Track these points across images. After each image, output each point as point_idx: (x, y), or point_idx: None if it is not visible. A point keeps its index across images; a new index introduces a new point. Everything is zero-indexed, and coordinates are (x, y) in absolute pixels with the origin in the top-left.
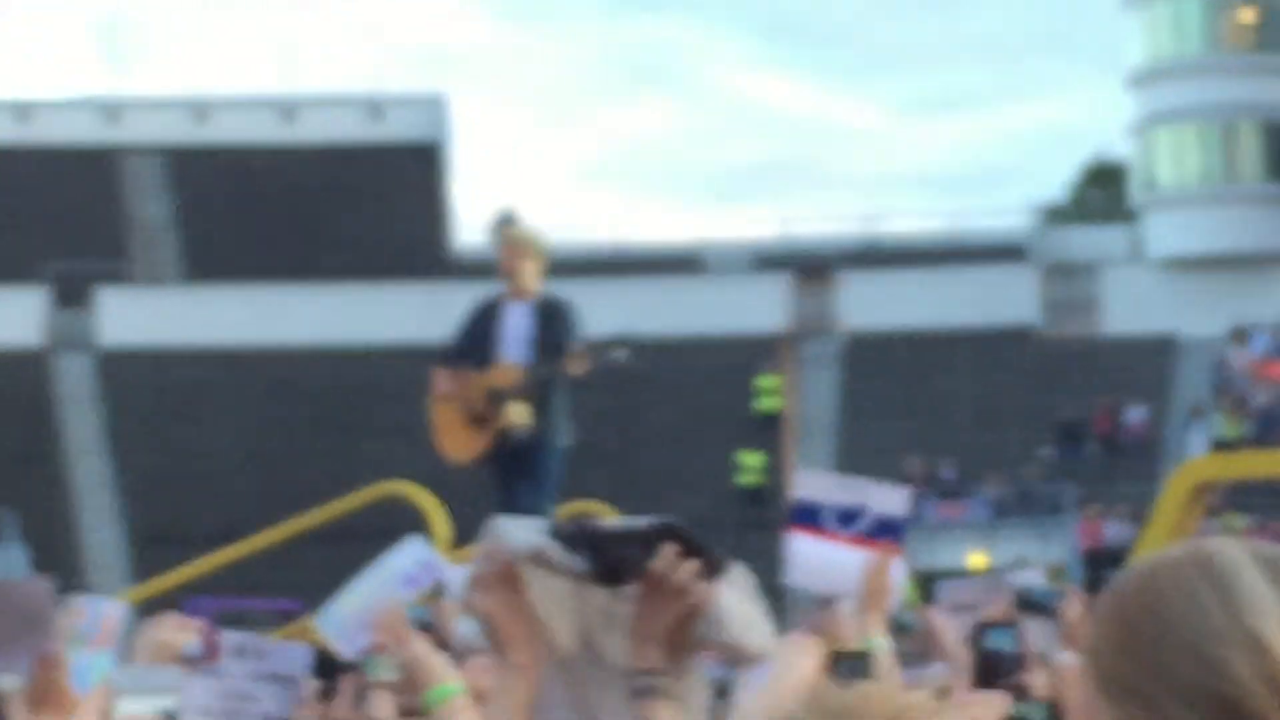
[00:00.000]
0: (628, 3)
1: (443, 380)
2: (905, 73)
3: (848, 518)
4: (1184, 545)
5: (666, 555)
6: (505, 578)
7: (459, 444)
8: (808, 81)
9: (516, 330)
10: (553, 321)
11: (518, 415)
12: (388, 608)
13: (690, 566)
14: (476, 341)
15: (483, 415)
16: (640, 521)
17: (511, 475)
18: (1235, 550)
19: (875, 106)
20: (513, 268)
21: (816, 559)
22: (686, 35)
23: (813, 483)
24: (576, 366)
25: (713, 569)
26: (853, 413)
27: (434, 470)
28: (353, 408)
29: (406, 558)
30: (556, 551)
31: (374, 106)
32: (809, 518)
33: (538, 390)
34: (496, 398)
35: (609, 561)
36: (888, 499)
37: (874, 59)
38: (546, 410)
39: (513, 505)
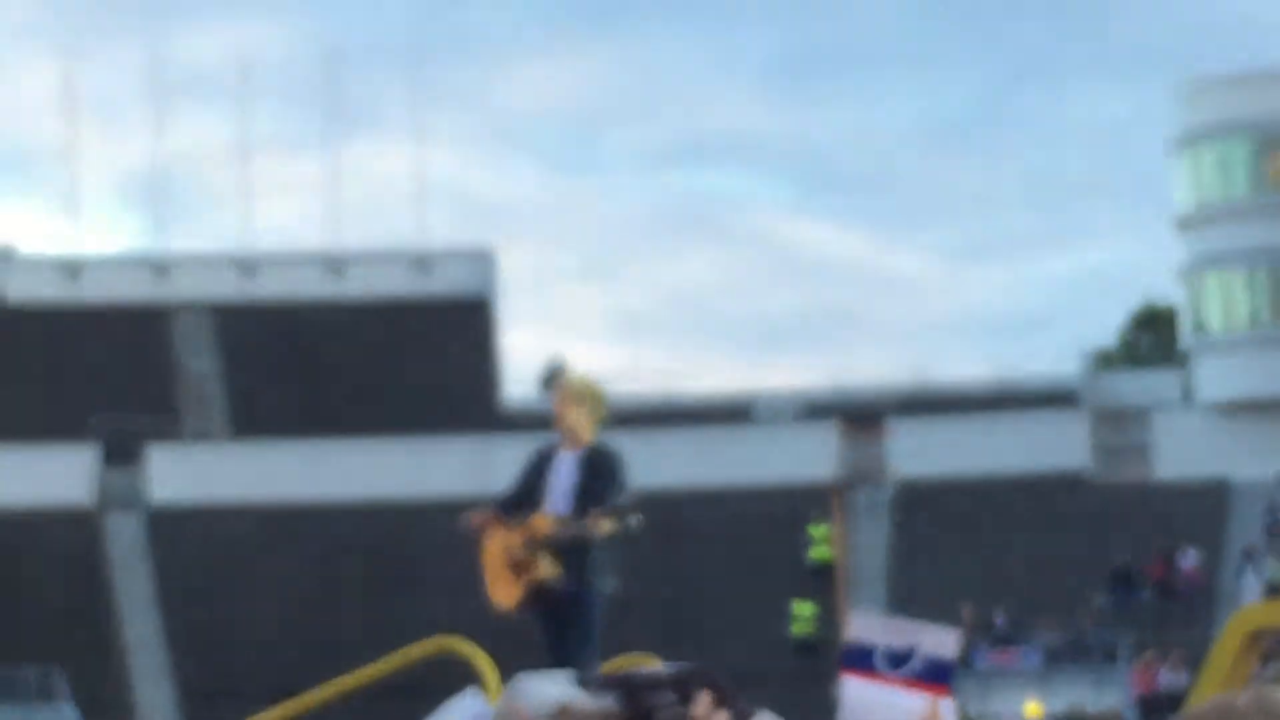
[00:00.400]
0: (671, 154)
1: (483, 523)
2: (951, 219)
3: (899, 660)
4: (1248, 692)
5: (703, 703)
6: None
7: (500, 591)
8: (853, 229)
9: (563, 480)
10: (597, 472)
11: (547, 569)
12: None
13: (723, 716)
14: (528, 490)
15: (522, 563)
16: (672, 668)
17: (552, 627)
18: None
19: (922, 253)
20: (562, 415)
21: (869, 701)
22: (730, 185)
23: (866, 625)
24: (603, 526)
25: (744, 715)
26: (904, 561)
27: (484, 625)
28: (401, 563)
29: (463, 711)
30: (584, 701)
31: (421, 261)
32: (862, 661)
33: (570, 543)
34: (532, 547)
35: (643, 708)
36: (938, 641)
37: (919, 206)
38: (582, 563)
39: (555, 658)
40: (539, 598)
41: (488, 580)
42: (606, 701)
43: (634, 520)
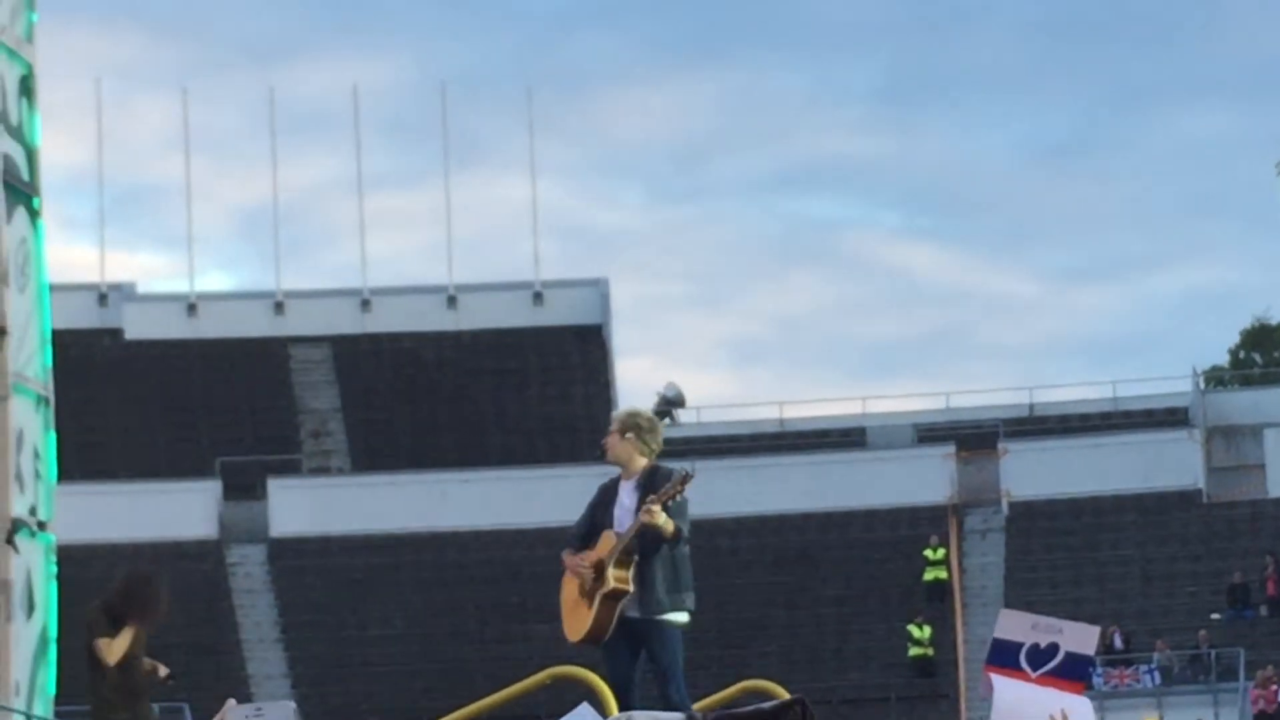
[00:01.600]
0: (777, 181)
1: (569, 561)
2: (1058, 241)
3: (1041, 656)
4: None
5: None
6: None
7: (572, 624)
8: (960, 253)
9: (625, 505)
10: (653, 487)
11: (618, 580)
12: None
13: None
14: (595, 524)
15: (592, 588)
16: (773, 704)
17: (628, 657)
18: None
19: (1029, 275)
20: (610, 447)
21: (1013, 699)
22: (836, 211)
23: (1012, 623)
24: (656, 514)
25: None
26: (1019, 582)
27: (599, 652)
28: (521, 591)
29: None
30: None
31: (535, 291)
32: (1007, 658)
33: (632, 554)
34: (600, 570)
35: None
36: (1079, 637)
37: (1025, 228)
38: (646, 583)
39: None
40: (611, 621)
41: (563, 618)
42: None
43: (684, 482)
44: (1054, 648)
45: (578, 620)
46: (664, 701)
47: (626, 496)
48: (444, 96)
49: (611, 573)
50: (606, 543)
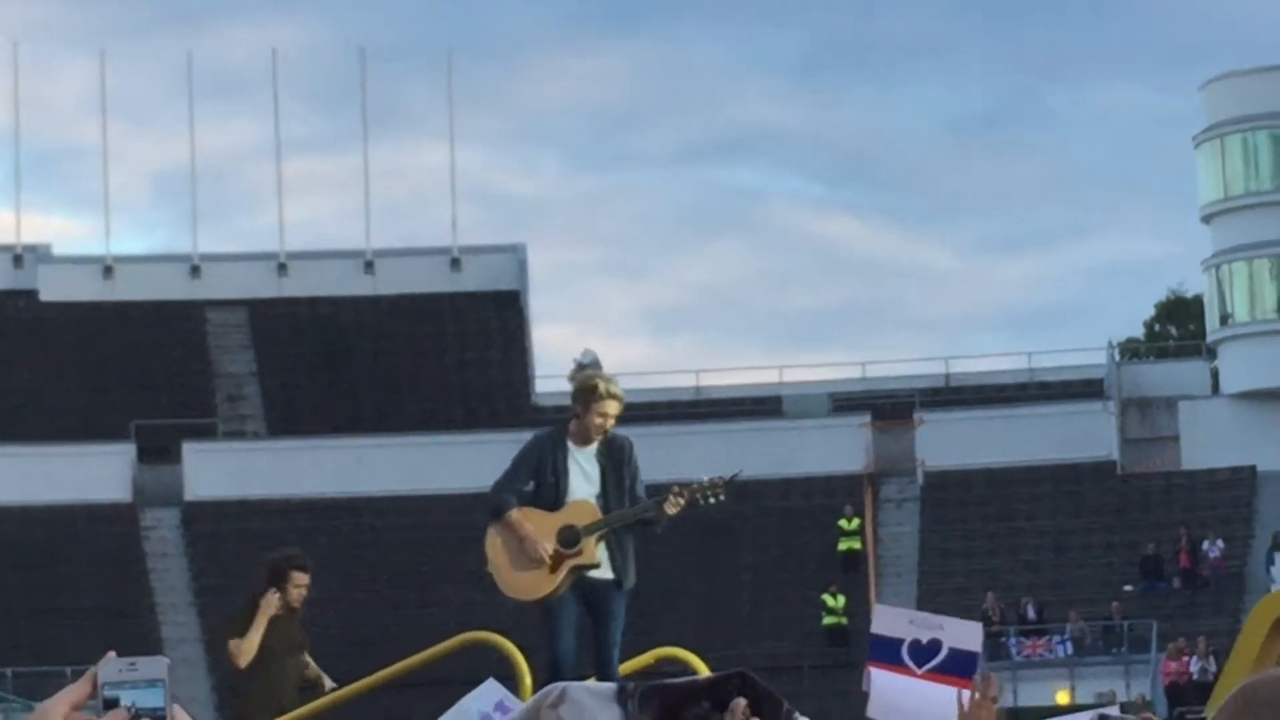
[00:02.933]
0: (698, 150)
1: (518, 518)
2: (977, 213)
3: (924, 653)
4: None
5: (738, 711)
6: None
7: (527, 584)
8: (880, 223)
9: (588, 475)
10: (620, 460)
11: (593, 555)
12: None
13: None
14: (542, 484)
15: (562, 553)
16: (708, 676)
17: (582, 618)
18: None
19: (948, 247)
20: (611, 416)
21: (896, 695)
22: (757, 180)
23: (890, 619)
24: (673, 507)
25: (781, 718)
26: (934, 552)
27: (517, 617)
28: (436, 557)
29: (483, 700)
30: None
31: (453, 257)
32: (887, 654)
33: (613, 531)
34: (571, 536)
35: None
36: (962, 633)
37: (946, 200)
38: (621, 551)
39: (595, 654)
40: (575, 588)
41: (506, 572)
42: (645, 718)
43: (714, 492)
44: (936, 644)
45: (538, 583)
46: (606, 669)
47: (586, 463)
48: (363, 61)
49: (591, 547)
50: (585, 513)
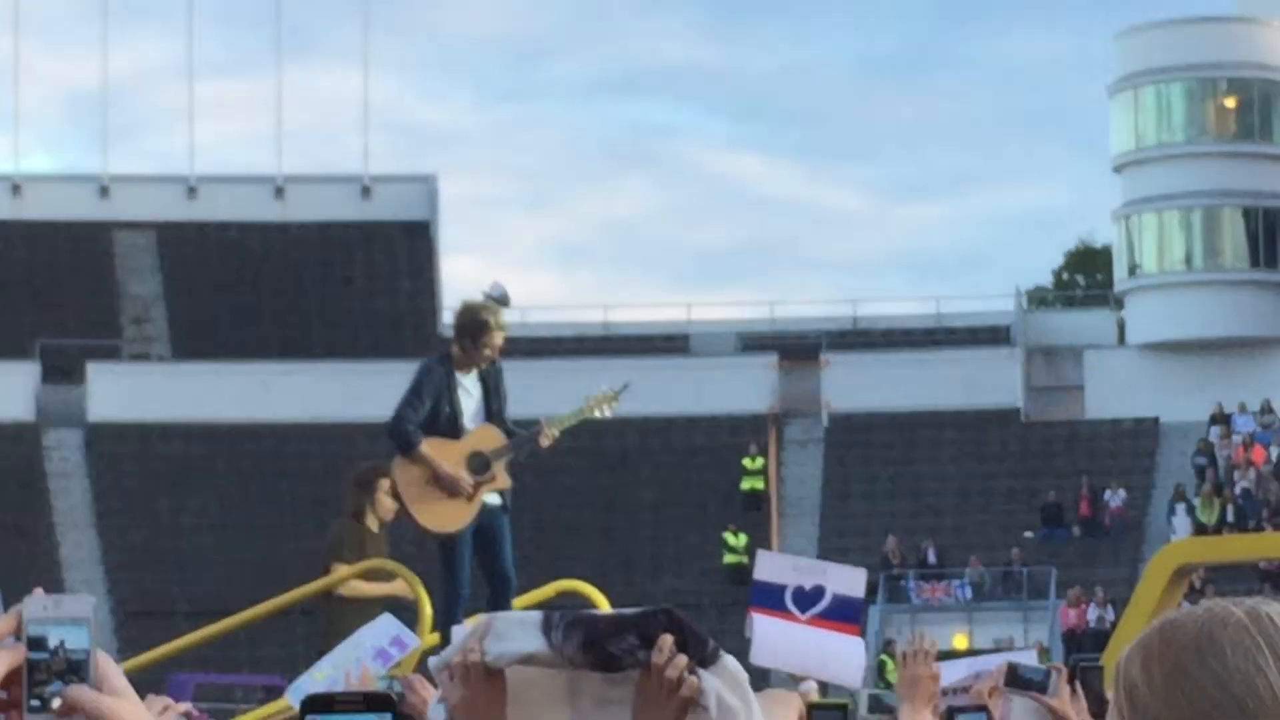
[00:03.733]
0: (608, 85)
1: (428, 450)
2: (888, 156)
3: (807, 599)
4: (1241, 603)
5: (664, 648)
6: (486, 673)
7: (446, 515)
8: (789, 164)
9: (473, 397)
10: (497, 388)
11: (505, 481)
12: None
13: (683, 661)
14: (437, 411)
15: (473, 481)
16: (637, 611)
17: (481, 545)
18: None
19: (858, 189)
20: (502, 344)
21: (779, 640)
22: (667, 117)
23: (774, 565)
24: (547, 439)
25: (706, 657)
26: (837, 493)
27: (415, 546)
28: (339, 485)
29: (379, 633)
30: (554, 652)
31: (363, 185)
32: (770, 600)
33: (523, 455)
34: (481, 463)
35: (605, 653)
36: (846, 579)
37: (856, 142)
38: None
39: (492, 576)
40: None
41: (422, 504)
42: (569, 648)
43: (607, 403)
44: (820, 590)
45: (457, 512)
46: (508, 591)
47: (472, 389)
48: None
49: (502, 472)
50: (490, 439)
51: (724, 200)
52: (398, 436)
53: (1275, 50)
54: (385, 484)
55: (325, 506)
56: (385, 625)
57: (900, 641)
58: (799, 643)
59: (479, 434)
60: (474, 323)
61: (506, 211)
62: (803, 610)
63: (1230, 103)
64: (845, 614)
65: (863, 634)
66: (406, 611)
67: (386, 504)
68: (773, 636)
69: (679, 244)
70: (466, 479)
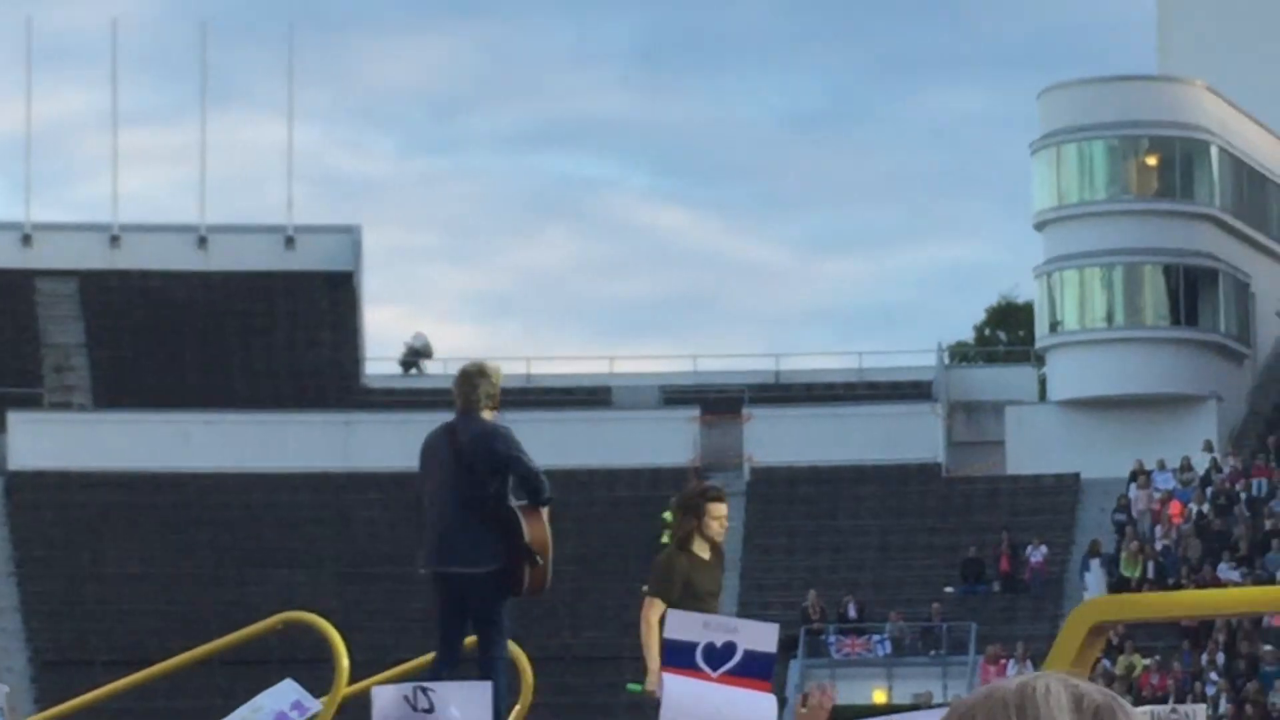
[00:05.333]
0: (532, 137)
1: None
2: (810, 210)
3: (719, 656)
4: (1015, 680)
5: None
6: None
7: (543, 577)
8: (712, 217)
9: None
10: None
11: None
12: None
13: None
14: None
15: None
16: None
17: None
18: (1057, 685)
19: (781, 243)
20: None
21: (690, 699)
22: (590, 169)
23: (683, 623)
24: None
25: None
26: (758, 547)
27: (338, 598)
28: (260, 535)
29: (279, 697)
30: None
31: (287, 235)
32: (681, 658)
33: None
34: None
35: None
36: (757, 636)
37: (778, 196)
38: None
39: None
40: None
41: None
42: None
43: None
44: (731, 646)
45: (544, 575)
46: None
47: None
48: (204, 34)
49: None
50: None
51: (647, 253)
52: (544, 489)
53: (1197, 109)
54: (714, 507)
55: (246, 556)
56: (286, 690)
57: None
58: (710, 701)
59: None
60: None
61: (430, 262)
62: (714, 667)
63: (1152, 161)
64: (757, 670)
65: (774, 689)
66: (325, 663)
67: (716, 526)
68: (683, 696)
69: (602, 296)
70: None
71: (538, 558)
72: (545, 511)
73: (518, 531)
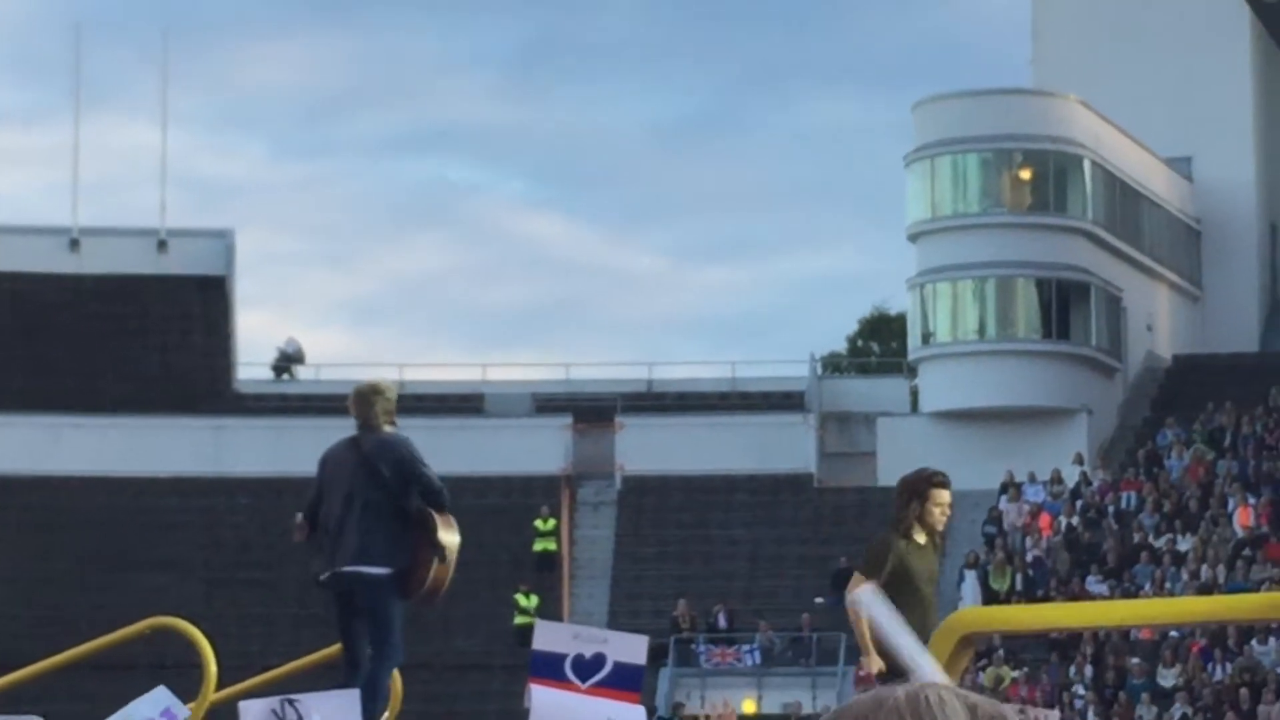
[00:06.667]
0: (405, 142)
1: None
2: (684, 218)
3: (588, 667)
4: (907, 686)
5: None
6: None
7: (444, 582)
8: (585, 224)
9: None
10: None
11: None
12: None
13: None
14: None
15: None
16: None
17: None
18: (949, 694)
19: (653, 251)
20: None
21: (558, 710)
22: (463, 175)
23: (552, 635)
24: None
25: None
26: (629, 556)
27: (206, 604)
28: (129, 540)
29: (152, 704)
30: None
31: (160, 239)
32: (550, 669)
33: None
34: None
35: None
36: (627, 647)
37: (651, 204)
38: None
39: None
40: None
41: (448, 569)
42: None
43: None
44: (601, 658)
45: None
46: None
47: None
48: (77, 36)
49: None
50: None
51: (520, 260)
52: (445, 498)
53: (1070, 123)
54: (938, 494)
55: (115, 561)
56: (158, 696)
57: (691, 704)
58: (578, 713)
59: None
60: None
61: (303, 267)
62: (583, 679)
63: (1025, 174)
64: (626, 682)
65: (643, 701)
66: (193, 668)
67: (937, 514)
68: (551, 707)
69: (475, 303)
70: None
71: (445, 553)
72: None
73: (431, 529)
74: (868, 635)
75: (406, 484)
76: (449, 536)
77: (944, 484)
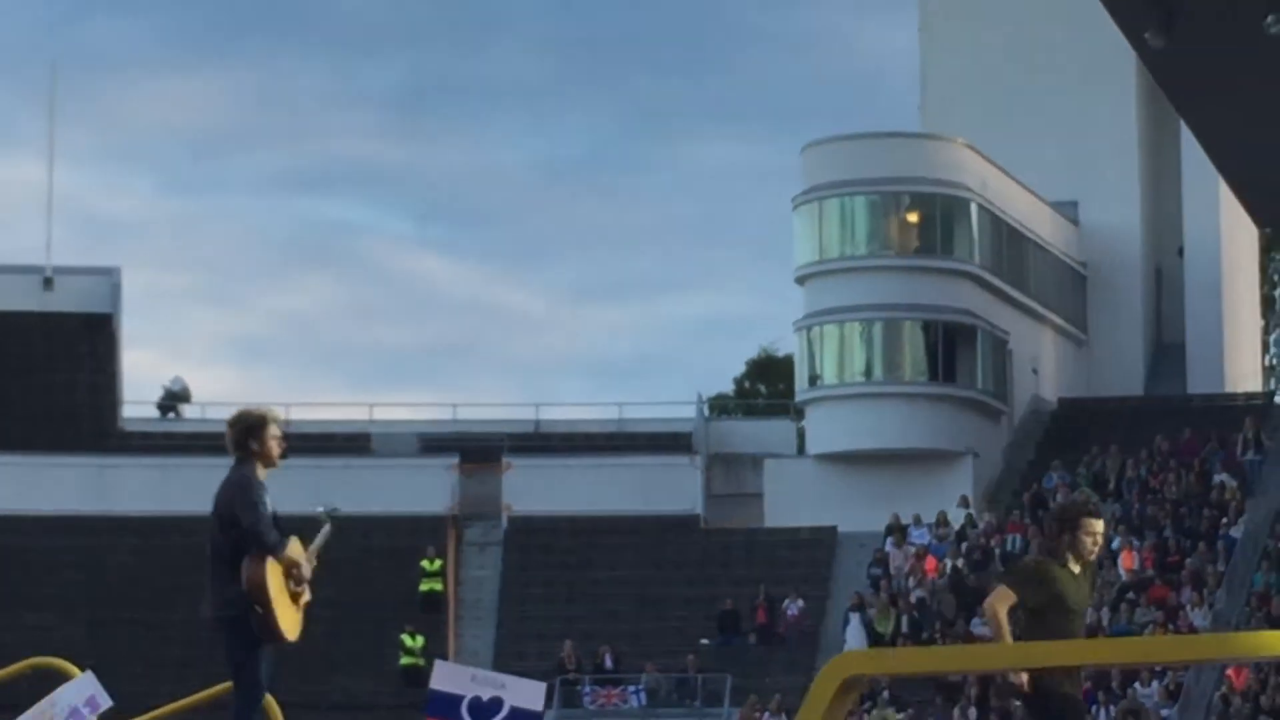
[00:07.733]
0: (291, 180)
1: (305, 568)
2: (571, 259)
3: (485, 711)
4: None
5: None
6: None
7: (293, 621)
8: (472, 264)
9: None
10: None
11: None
12: None
13: None
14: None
15: (296, 595)
16: None
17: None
18: None
19: (540, 291)
20: (257, 448)
21: None
22: (350, 214)
23: (451, 675)
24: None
25: None
26: (515, 597)
27: (90, 643)
28: (11, 578)
29: (77, 691)
30: None
31: (46, 276)
32: (447, 709)
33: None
34: (299, 575)
35: None
36: (524, 693)
37: (538, 244)
38: None
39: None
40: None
41: (281, 610)
42: None
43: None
44: (498, 702)
45: (295, 620)
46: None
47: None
48: None
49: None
50: (298, 548)
51: (407, 300)
52: (265, 535)
53: (958, 166)
54: (1090, 523)
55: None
56: (84, 684)
57: None
58: None
59: (295, 544)
60: (254, 424)
61: (188, 305)
62: None
63: (912, 217)
64: None
65: None
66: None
67: (1089, 543)
68: None
69: (361, 343)
70: (283, 583)
71: (256, 607)
72: (279, 557)
73: (239, 575)
74: (1008, 636)
75: (235, 525)
76: (255, 578)
77: (1096, 514)
